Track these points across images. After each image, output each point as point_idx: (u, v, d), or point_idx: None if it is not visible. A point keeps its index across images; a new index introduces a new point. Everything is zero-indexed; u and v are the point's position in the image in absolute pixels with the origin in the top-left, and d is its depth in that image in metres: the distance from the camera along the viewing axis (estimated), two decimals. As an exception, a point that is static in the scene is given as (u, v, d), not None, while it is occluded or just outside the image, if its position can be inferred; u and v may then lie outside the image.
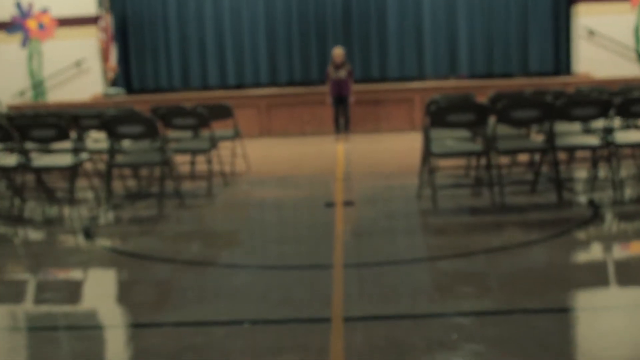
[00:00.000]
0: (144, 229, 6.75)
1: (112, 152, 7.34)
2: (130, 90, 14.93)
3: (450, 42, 14.84)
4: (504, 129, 7.30)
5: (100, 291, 4.95)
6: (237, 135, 9.50)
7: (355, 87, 12.76)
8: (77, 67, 14.38)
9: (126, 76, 15.05)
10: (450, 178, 8.19)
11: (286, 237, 6.26)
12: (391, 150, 11.52)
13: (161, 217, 6.98)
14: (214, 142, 8.31)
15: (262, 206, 7.72)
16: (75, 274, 5.48)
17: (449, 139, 7.66)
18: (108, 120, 7.12)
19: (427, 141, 7.09)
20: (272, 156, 11.25)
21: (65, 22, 14.29)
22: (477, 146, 7.36)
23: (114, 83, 14.61)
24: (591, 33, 14.18)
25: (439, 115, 6.89)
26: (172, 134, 8.87)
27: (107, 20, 14.32)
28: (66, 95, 14.08)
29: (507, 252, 5.32)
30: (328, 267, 5.06)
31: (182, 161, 8.95)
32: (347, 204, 7.32)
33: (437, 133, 7.29)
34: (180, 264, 5.38)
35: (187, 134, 8.98)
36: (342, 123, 12.81)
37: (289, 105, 13.69)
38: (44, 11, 14.25)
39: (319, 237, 5.99)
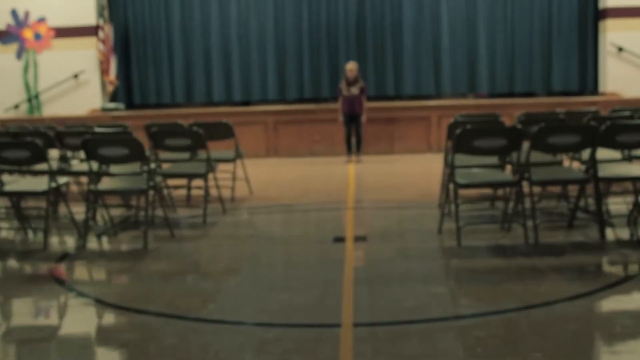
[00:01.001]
0: (122, 266, 5.86)
1: (92, 176, 6.46)
2: (130, 105, 14.08)
3: (469, 59, 13.92)
4: (534, 155, 6.37)
5: (46, 354, 4.04)
6: (238, 156, 8.62)
7: (368, 105, 11.87)
8: (75, 80, 13.56)
9: (127, 90, 14.20)
10: (475, 209, 7.26)
11: (287, 282, 5.35)
12: (406, 173, 10.62)
13: (145, 252, 6.08)
14: (211, 165, 7.43)
15: (262, 240, 6.79)
16: (25, 324, 4.57)
17: (474, 167, 6.75)
18: (87, 140, 6.23)
19: (451, 169, 6.17)
20: (278, 179, 10.35)
21: (63, 33, 13.48)
22: (508, 176, 6.44)
23: (113, 97, 13.79)
24: (620, 50, 13.24)
25: (465, 139, 5.99)
26: (167, 155, 8.00)
27: (107, 31, 13.50)
28: (63, 110, 13.25)
29: (549, 309, 4.38)
30: (335, 326, 4.15)
31: (178, 185, 8.08)
32: (359, 239, 6.41)
33: (460, 157, 6.37)
34: (155, 317, 4.47)
35: (185, 154, 8.09)
36: (354, 143, 11.92)
37: (297, 123, 12.82)
38: (41, 20, 13.45)
39: (325, 284, 5.06)
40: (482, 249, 5.92)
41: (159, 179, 6.62)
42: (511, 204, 6.39)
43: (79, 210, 6.75)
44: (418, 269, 5.51)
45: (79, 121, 11.25)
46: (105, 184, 6.73)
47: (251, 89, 14.01)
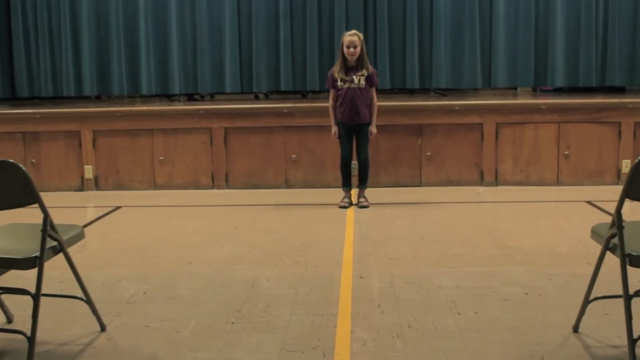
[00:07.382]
0: None
1: None
2: (14, 97, 8.70)
3: (537, 36, 8.44)
4: None
5: None
6: (56, 250, 3.17)
7: (379, 103, 6.49)
8: None
9: (8, 76, 8.75)
10: None
11: None
12: (452, 237, 5.18)
13: None
14: None
15: None
16: None
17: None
18: None
19: None
20: (203, 261, 4.87)
21: None
22: None
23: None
24: None
25: None
26: None
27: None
28: None
29: None
30: None
31: None
32: None
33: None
34: None
35: None
36: (356, 168, 6.56)
37: (263, 133, 7.44)
38: None
39: None
40: None
41: None
42: None
43: None
44: None
45: None
46: None
47: (198, 76, 8.52)
